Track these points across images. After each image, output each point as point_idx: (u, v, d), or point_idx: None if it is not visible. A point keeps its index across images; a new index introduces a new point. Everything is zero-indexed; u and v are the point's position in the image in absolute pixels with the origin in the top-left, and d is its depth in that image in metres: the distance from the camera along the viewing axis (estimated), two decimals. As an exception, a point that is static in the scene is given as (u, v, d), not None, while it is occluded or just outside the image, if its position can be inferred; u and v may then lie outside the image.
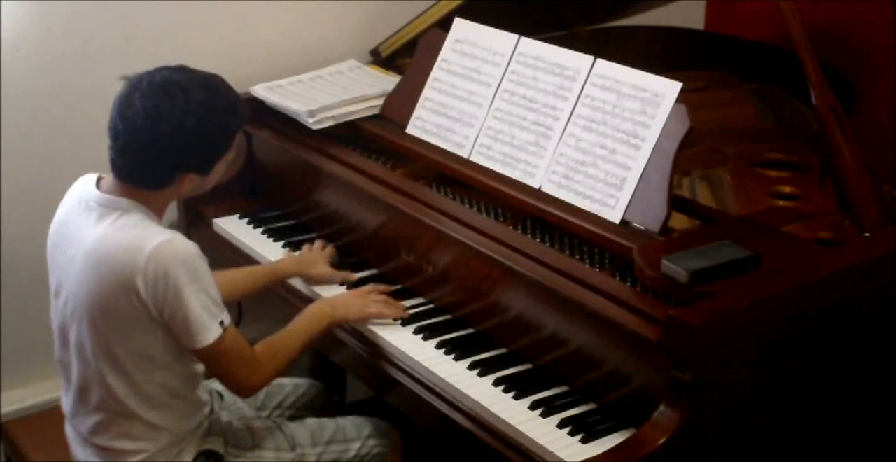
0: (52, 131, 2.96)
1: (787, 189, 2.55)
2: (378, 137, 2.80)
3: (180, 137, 2.05)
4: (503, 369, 2.24)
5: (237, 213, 2.94)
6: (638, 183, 2.25)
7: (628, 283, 2.18)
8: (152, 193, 2.13)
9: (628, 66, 2.35)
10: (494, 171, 2.51)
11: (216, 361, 2.16)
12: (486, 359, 2.28)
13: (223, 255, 2.79)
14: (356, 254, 2.70)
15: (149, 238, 2.05)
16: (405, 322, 2.42)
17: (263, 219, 2.91)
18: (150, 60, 2.21)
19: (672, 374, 1.92)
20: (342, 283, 2.58)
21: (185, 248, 2.07)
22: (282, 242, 2.79)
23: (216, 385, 2.34)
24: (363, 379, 2.60)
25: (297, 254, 2.70)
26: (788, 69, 2.68)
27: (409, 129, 2.72)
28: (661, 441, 1.90)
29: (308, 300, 2.54)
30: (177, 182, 2.12)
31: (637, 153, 2.26)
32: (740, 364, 1.97)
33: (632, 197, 2.25)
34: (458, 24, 2.70)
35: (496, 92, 2.56)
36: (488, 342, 2.33)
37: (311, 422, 2.47)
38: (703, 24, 3.91)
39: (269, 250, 2.76)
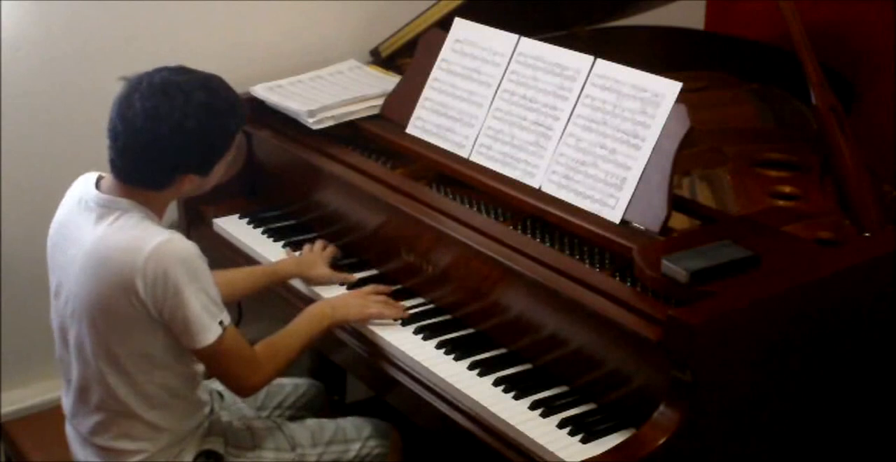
0: (52, 131, 2.96)
1: (787, 189, 2.54)
2: (378, 137, 2.79)
3: (180, 138, 2.05)
4: (503, 369, 2.24)
5: (237, 213, 2.94)
6: (638, 183, 2.25)
7: (628, 283, 2.17)
8: (152, 194, 2.13)
9: (628, 66, 2.35)
10: (494, 171, 2.50)
11: (216, 361, 2.16)
12: (486, 359, 2.28)
13: (223, 255, 2.79)
14: (356, 254, 2.70)
15: (148, 238, 2.05)
16: (405, 322, 2.41)
17: (263, 219, 2.91)
18: (150, 60, 2.20)
19: (672, 374, 1.92)
20: (342, 284, 2.59)
21: (184, 248, 2.07)
22: (282, 242, 2.79)
23: (216, 385, 2.34)
24: (363, 379, 2.60)
25: (297, 254, 2.70)
26: (788, 69, 2.68)
27: (409, 129, 2.72)
28: (661, 441, 1.90)
29: (308, 300, 2.54)
30: (176, 182, 2.12)
31: (637, 153, 2.26)
32: (740, 364, 1.97)
33: (632, 197, 2.25)
34: (458, 24, 2.70)
35: (496, 92, 2.56)
36: (488, 342, 2.33)
37: (311, 422, 2.47)
38: (703, 24, 3.91)
39: (269, 250, 2.76)
